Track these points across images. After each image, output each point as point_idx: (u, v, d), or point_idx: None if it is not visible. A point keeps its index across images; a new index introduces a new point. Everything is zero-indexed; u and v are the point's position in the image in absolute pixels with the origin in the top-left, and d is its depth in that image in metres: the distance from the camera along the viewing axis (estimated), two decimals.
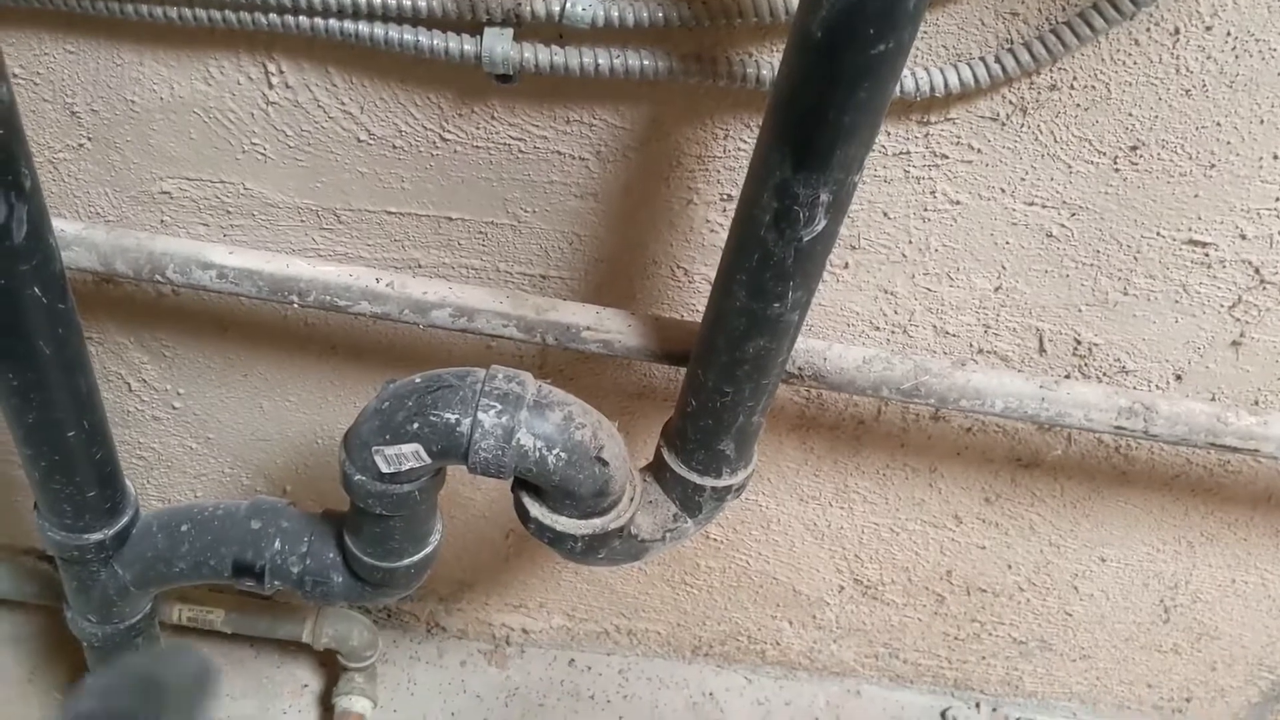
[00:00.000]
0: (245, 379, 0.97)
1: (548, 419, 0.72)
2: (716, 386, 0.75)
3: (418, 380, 0.74)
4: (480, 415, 0.71)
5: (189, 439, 1.05)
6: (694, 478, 0.80)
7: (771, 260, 0.66)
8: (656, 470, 0.83)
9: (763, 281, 0.68)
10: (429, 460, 0.73)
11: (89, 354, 0.75)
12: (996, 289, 0.85)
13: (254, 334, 0.93)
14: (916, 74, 0.71)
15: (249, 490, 1.10)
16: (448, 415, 0.72)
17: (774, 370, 0.74)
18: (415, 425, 0.72)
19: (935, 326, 0.88)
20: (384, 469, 0.74)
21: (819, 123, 0.60)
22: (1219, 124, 0.73)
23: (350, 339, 0.92)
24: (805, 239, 0.65)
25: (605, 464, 0.74)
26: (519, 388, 0.73)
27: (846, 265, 0.85)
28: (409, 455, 0.73)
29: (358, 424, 0.75)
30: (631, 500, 0.80)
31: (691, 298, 0.87)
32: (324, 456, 1.05)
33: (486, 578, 1.20)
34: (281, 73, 0.75)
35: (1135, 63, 0.70)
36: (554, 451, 0.72)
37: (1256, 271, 0.81)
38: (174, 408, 1.02)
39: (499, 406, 0.72)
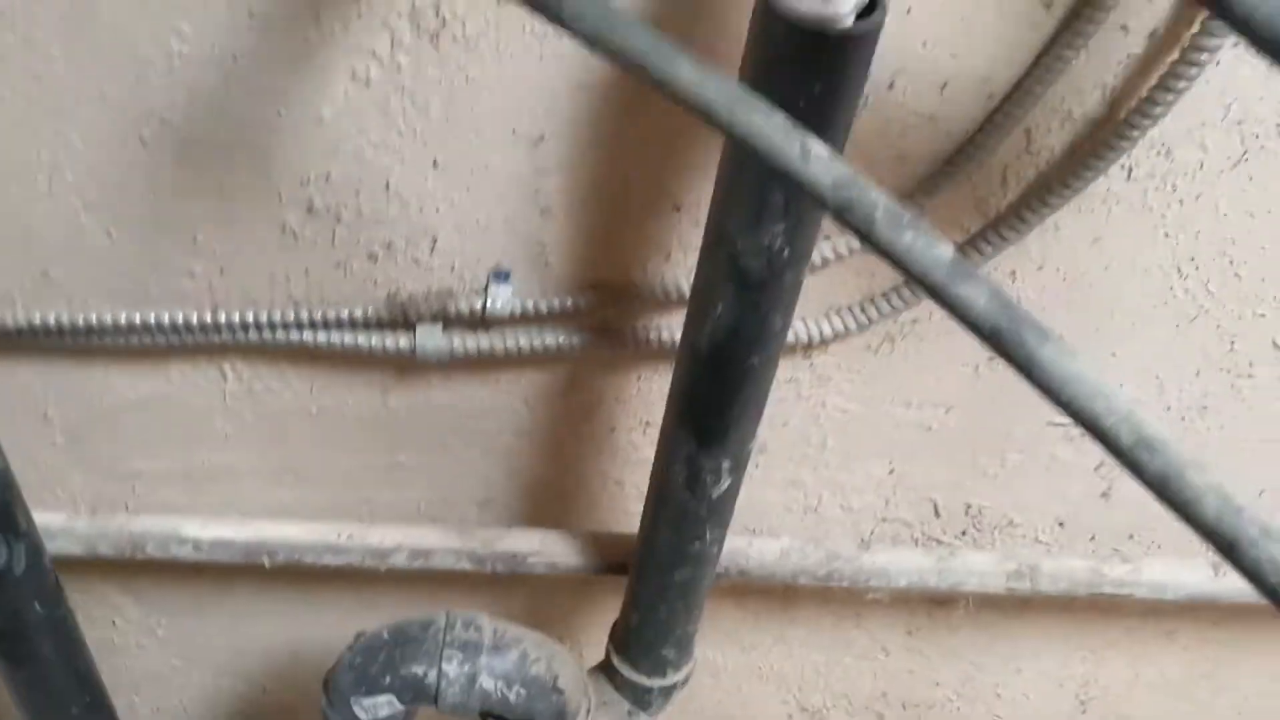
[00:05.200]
0: (221, 607, 1.05)
1: (506, 658, 0.82)
2: (652, 606, 0.84)
3: (385, 636, 0.83)
4: (444, 666, 0.80)
5: (173, 658, 1.12)
6: (642, 680, 0.90)
7: (687, 512, 0.77)
8: (607, 670, 0.92)
9: (682, 528, 0.78)
10: (402, 707, 0.82)
11: (83, 636, 0.83)
12: (890, 472, 0.95)
13: (226, 573, 1.01)
14: (795, 326, 0.82)
15: (231, 692, 1.17)
16: (415, 669, 0.81)
17: (702, 590, 0.84)
18: (387, 679, 0.81)
19: (841, 506, 0.98)
20: (362, 717, 0.83)
21: (713, 414, 0.70)
22: (1061, 336, 0.84)
23: (316, 566, 1.00)
24: (715, 495, 0.75)
25: (561, 691, 0.83)
26: (476, 634, 0.82)
27: (757, 465, 0.95)
28: (383, 704, 0.82)
29: (334, 675, 0.84)
30: (588, 711, 0.89)
31: (626, 503, 0.97)
32: (301, 659, 1.12)
33: None
34: (235, 370, 0.84)
35: None
36: (514, 688, 0.81)
37: None
38: (156, 635, 1.09)
39: (460, 655, 0.81)
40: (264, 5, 0.65)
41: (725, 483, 0.75)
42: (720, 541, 0.80)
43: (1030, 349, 0.47)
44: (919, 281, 0.48)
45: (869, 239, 0.48)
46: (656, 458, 0.76)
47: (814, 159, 0.47)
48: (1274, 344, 0.84)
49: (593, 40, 0.48)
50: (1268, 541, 0.46)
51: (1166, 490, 0.46)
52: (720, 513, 0.77)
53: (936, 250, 0.47)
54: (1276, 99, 0.71)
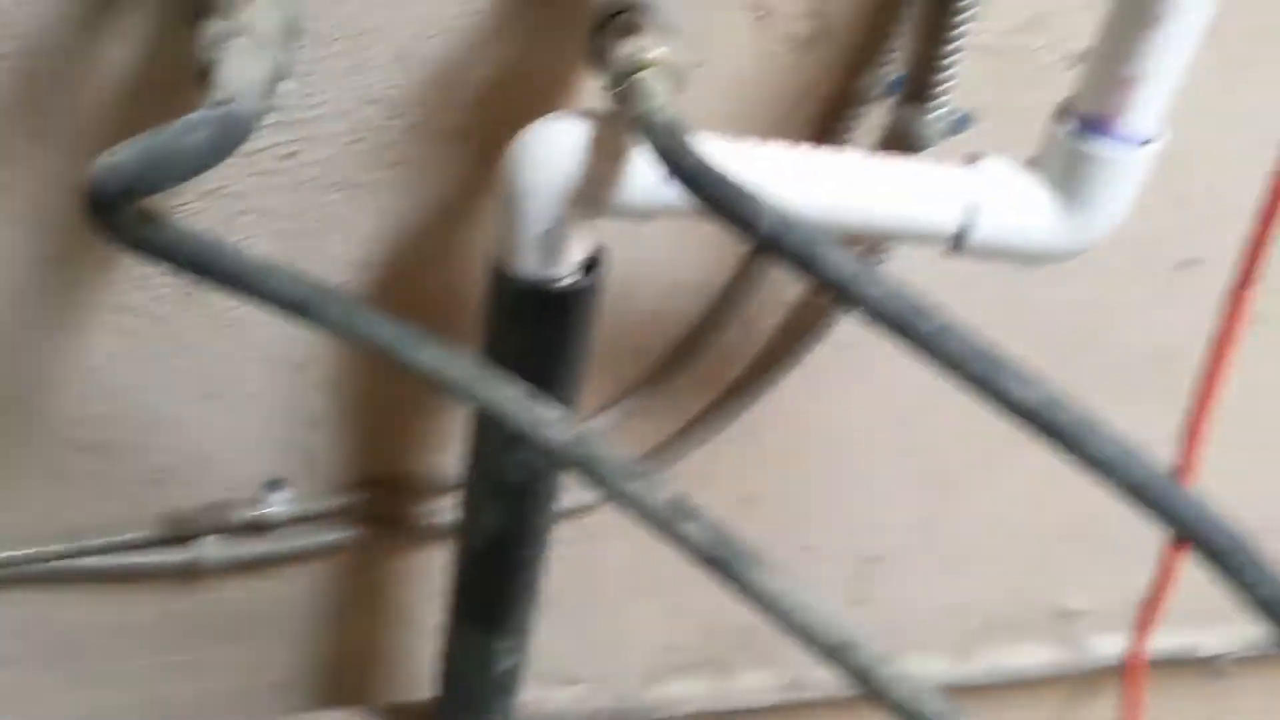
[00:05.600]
0: None
1: None
2: None
3: None
4: None
5: None
6: None
7: (477, 689, 0.82)
8: None
9: (475, 702, 0.83)
10: None
11: None
12: (669, 605, 1.03)
13: None
14: (564, 499, 0.89)
15: None
16: None
17: None
18: None
19: (628, 641, 1.05)
20: None
21: (492, 604, 0.76)
22: (759, 489, 0.94)
23: None
24: (500, 671, 0.81)
25: None
26: None
27: (545, 616, 1.01)
28: None
29: None
30: None
31: (422, 669, 1.01)
32: None
33: None
34: (15, 600, 0.84)
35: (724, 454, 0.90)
36: None
37: (865, 556, 1.03)
38: None
39: None
40: (19, 277, 0.68)
41: (510, 660, 0.80)
42: (511, 707, 0.86)
43: (744, 572, 0.55)
44: (646, 521, 0.55)
45: (601, 488, 0.55)
46: (444, 642, 0.81)
47: (548, 425, 0.54)
48: (980, 464, 0.96)
49: (343, 334, 0.54)
50: (952, 716, 0.55)
51: (867, 680, 0.54)
52: (509, 685, 0.83)
53: (658, 494, 0.55)
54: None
